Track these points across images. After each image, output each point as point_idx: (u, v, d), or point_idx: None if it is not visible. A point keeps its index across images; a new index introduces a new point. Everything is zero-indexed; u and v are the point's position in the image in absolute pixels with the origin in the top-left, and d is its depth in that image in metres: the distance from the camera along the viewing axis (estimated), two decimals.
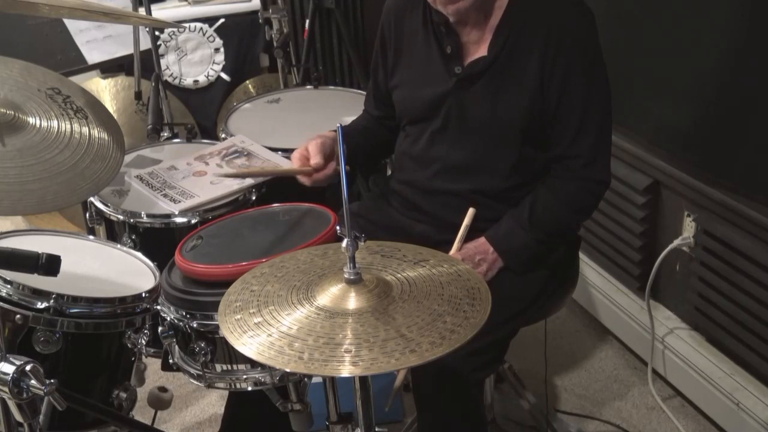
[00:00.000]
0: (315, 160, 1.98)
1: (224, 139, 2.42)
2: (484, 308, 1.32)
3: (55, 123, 1.91)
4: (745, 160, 2.19)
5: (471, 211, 1.85)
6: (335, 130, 2.11)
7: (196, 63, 3.68)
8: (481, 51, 1.88)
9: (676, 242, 2.46)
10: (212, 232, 1.88)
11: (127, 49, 3.19)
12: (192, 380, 1.75)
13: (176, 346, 1.76)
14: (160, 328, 1.75)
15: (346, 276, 1.35)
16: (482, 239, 1.90)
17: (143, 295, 1.81)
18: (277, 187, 2.19)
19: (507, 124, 1.87)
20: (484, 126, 1.89)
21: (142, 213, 2.10)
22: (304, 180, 2.02)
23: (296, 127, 2.46)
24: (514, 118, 1.86)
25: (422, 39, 1.94)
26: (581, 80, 1.83)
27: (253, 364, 1.67)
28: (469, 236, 1.89)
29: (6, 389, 1.42)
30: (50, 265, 1.41)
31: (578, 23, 1.84)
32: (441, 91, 1.92)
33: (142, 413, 2.55)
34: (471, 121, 1.90)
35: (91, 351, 1.80)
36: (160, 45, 3.51)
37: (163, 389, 1.96)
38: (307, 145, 2.01)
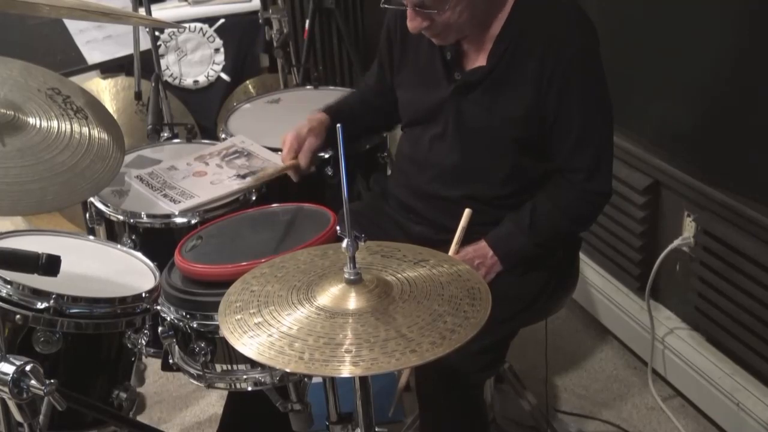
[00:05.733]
0: (305, 162, 2.05)
1: (224, 139, 2.42)
2: (485, 308, 1.32)
3: (55, 123, 1.91)
4: (745, 160, 2.19)
5: (467, 212, 1.84)
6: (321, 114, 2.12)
7: (196, 63, 3.67)
8: (481, 60, 1.87)
9: (676, 242, 2.46)
10: (212, 232, 1.88)
11: (127, 49, 3.19)
12: (192, 380, 1.75)
13: (176, 346, 1.76)
14: (160, 328, 1.75)
15: (346, 276, 1.35)
16: (482, 242, 1.90)
17: (143, 295, 1.81)
18: (277, 187, 2.19)
19: (502, 134, 1.87)
20: (481, 134, 1.89)
21: (142, 213, 2.10)
22: (293, 176, 2.07)
23: None
24: (509, 127, 1.85)
25: (426, 42, 1.93)
26: (580, 93, 1.81)
27: (253, 364, 1.67)
28: (465, 241, 1.89)
29: (6, 389, 1.42)
30: (50, 265, 1.41)
31: (578, 35, 1.82)
32: (440, 96, 1.91)
33: (141, 413, 2.56)
34: (468, 129, 1.90)
35: (91, 351, 1.80)
36: (160, 45, 3.51)
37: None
38: (304, 143, 2.05)
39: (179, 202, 2.11)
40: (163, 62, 3.50)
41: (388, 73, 2.08)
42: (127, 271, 1.95)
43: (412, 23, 1.79)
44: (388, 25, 2.04)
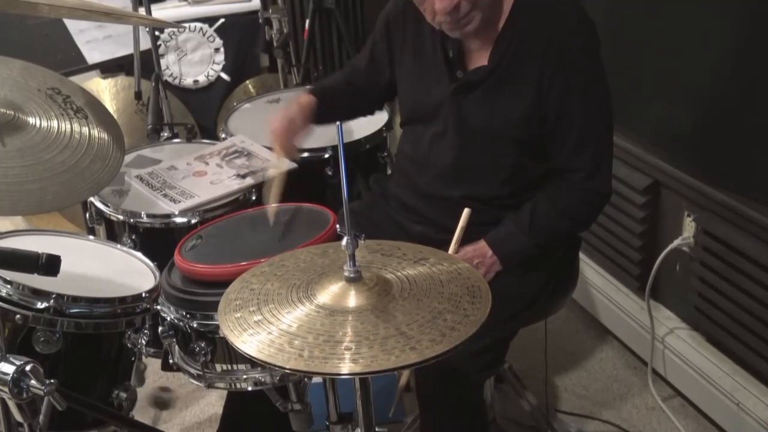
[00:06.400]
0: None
1: (224, 139, 2.42)
2: (485, 306, 1.32)
3: (55, 123, 1.91)
4: (745, 160, 2.19)
5: (466, 212, 1.84)
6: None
7: (196, 63, 3.67)
8: (484, 59, 1.87)
9: (676, 242, 2.46)
10: (212, 232, 1.88)
11: (127, 49, 3.19)
12: (192, 380, 1.75)
13: (176, 346, 1.76)
14: (160, 328, 1.75)
15: (346, 274, 1.35)
16: (481, 242, 1.90)
17: (143, 295, 1.81)
18: None
19: (503, 134, 1.86)
20: (481, 134, 1.89)
21: (142, 213, 2.10)
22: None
23: None
24: (510, 128, 1.85)
25: (428, 39, 1.93)
26: (581, 94, 1.81)
27: (253, 364, 1.67)
28: (465, 240, 1.89)
29: (6, 389, 1.42)
30: (50, 265, 1.41)
31: (579, 35, 1.82)
32: (440, 94, 1.91)
33: (141, 413, 2.57)
34: (468, 128, 1.89)
35: (91, 351, 1.80)
36: (160, 45, 3.51)
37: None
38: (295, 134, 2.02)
39: (179, 201, 2.11)
40: (163, 62, 3.50)
41: (387, 67, 2.05)
42: (127, 271, 1.95)
43: (442, 3, 1.76)
44: (388, 17, 2.02)
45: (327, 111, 2.04)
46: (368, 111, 2.26)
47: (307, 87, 2.13)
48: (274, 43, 3.65)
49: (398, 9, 1.99)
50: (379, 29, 2.05)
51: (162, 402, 2.64)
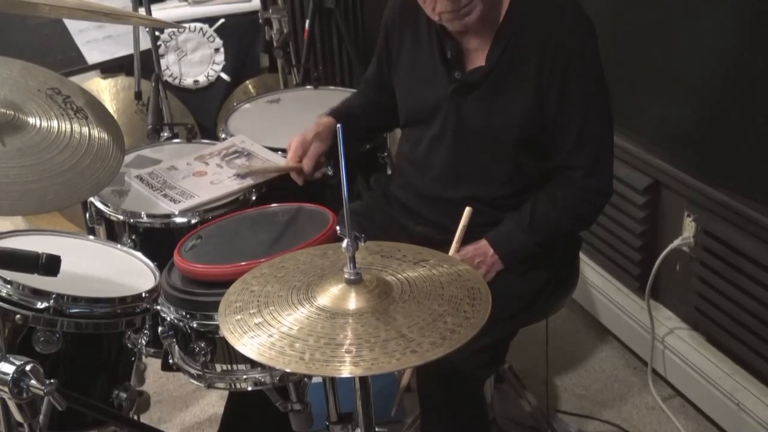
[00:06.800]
0: (308, 167, 2.04)
1: (224, 139, 2.42)
2: (485, 308, 1.32)
3: (55, 123, 1.91)
4: (745, 160, 2.19)
5: (468, 211, 1.84)
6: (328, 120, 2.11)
7: (196, 63, 3.68)
8: (482, 59, 1.86)
9: (676, 242, 2.46)
10: (211, 232, 1.88)
11: (127, 49, 3.19)
12: (192, 380, 1.75)
13: (176, 346, 1.76)
14: (160, 328, 1.75)
15: (346, 276, 1.35)
16: (483, 241, 1.90)
17: (143, 295, 1.81)
18: (277, 187, 2.19)
19: (503, 134, 1.86)
20: (481, 134, 1.88)
21: (142, 213, 2.10)
22: (297, 178, 2.07)
23: (296, 127, 2.45)
24: (509, 128, 1.85)
25: (425, 40, 1.93)
26: (580, 92, 1.81)
27: (253, 364, 1.67)
28: (466, 240, 1.89)
29: (6, 389, 1.42)
30: (50, 265, 1.41)
31: (577, 33, 1.81)
32: (439, 95, 1.90)
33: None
34: (468, 129, 1.89)
35: (91, 351, 1.80)
36: (160, 45, 3.51)
37: (138, 393, 1.95)
38: (309, 147, 2.05)
39: (179, 201, 2.11)
40: (163, 62, 3.50)
41: (386, 70, 2.07)
42: (127, 271, 1.95)
43: None
44: (386, 22, 2.03)
45: (350, 131, 2.05)
46: (390, 126, 2.27)
47: (326, 112, 2.16)
48: (274, 43, 3.66)
49: (394, 11, 2.00)
50: (380, 36, 2.05)
51: (162, 402, 2.65)
